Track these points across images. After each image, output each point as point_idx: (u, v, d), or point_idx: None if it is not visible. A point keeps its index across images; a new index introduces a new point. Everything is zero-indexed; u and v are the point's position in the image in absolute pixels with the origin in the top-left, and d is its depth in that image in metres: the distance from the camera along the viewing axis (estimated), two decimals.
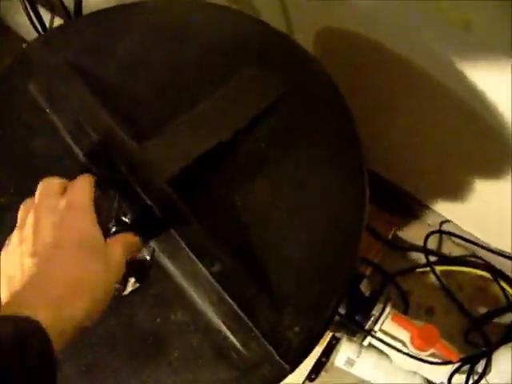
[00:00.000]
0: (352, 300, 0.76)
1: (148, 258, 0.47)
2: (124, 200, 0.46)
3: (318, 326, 0.47)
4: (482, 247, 0.99)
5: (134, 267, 0.47)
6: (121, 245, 0.39)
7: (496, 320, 0.98)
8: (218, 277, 0.46)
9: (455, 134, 0.79)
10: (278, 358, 0.44)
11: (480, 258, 1.01)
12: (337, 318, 0.75)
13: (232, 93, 0.54)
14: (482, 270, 1.00)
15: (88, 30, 0.60)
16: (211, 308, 0.46)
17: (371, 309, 0.77)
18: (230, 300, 0.45)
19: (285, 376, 0.45)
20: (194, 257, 0.46)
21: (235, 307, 0.45)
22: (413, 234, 1.05)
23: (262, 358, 0.45)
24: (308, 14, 0.77)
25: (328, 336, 0.85)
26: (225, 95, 0.54)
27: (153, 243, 0.47)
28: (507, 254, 0.96)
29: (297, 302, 0.47)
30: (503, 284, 0.99)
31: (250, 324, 0.45)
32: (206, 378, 0.45)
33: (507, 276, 0.99)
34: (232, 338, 0.45)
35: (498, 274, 0.99)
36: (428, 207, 1.03)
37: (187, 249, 0.46)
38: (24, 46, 0.60)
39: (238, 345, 0.45)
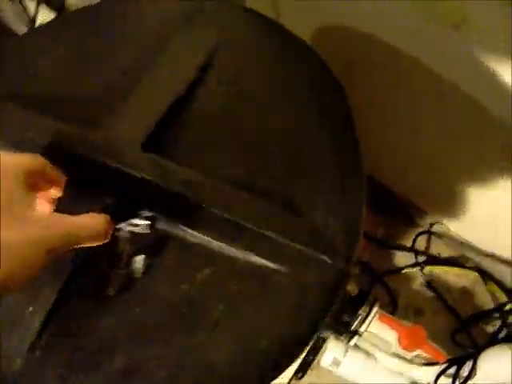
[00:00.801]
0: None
1: (148, 231, 0.44)
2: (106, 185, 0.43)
3: (355, 219, 0.46)
4: (471, 249, 0.99)
5: (136, 245, 0.44)
6: (65, 225, 0.35)
7: (483, 322, 0.98)
8: (232, 211, 0.43)
9: (448, 136, 0.79)
10: (329, 261, 0.42)
11: (469, 259, 1.01)
12: None
13: (171, 53, 0.53)
14: (471, 271, 0.99)
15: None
16: (235, 246, 0.43)
17: (358, 308, 0.76)
18: (253, 227, 0.43)
19: (342, 278, 0.43)
20: (199, 204, 0.43)
21: (261, 230, 0.42)
22: (402, 233, 1.04)
23: (311, 269, 0.42)
24: (298, 11, 0.76)
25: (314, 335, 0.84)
26: (165, 57, 0.53)
27: (152, 213, 0.44)
28: (496, 256, 0.96)
29: (324, 202, 0.46)
30: (491, 286, 0.99)
31: (283, 240, 0.42)
32: (264, 315, 0.42)
33: (495, 278, 0.99)
34: (271, 264, 0.42)
35: (486, 275, 0.99)
36: (418, 208, 1.03)
37: (191, 199, 0.43)
38: None
39: (280, 268, 0.42)
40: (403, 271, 1.00)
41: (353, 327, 0.76)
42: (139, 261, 0.44)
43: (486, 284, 0.99)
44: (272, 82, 0.54)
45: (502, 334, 0.96)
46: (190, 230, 0.44)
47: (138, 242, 0.44)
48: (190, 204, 0.44)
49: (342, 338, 0.80)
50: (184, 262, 0.44)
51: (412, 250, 1.01)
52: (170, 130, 0.49)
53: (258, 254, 0.43)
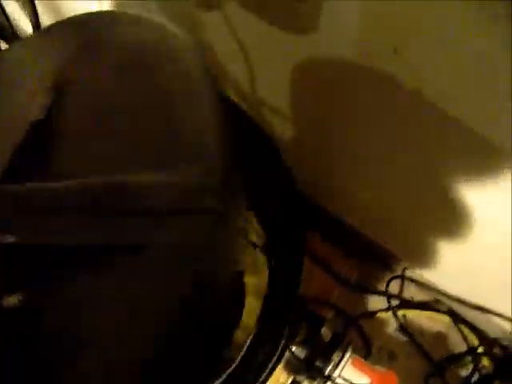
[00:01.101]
0: (312, 344, 0.76)
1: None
2: None
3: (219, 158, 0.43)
4: (444, 293, 1.02)
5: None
6: None
7: (456, 365, 0.99)
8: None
9: (421, 184, 0.81)
10: (205, 206, 0.39)
11: (442, 303, 1.03)
12: (297, 362, 0.75)
13: (23, 81, 0.48)
14: (444, 315, 1.01)
15: None
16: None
17: (331, 354, 0.78)
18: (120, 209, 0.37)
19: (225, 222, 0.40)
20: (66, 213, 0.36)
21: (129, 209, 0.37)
22: (376, 278, 1.07)
23: (189, 226, 0.38)
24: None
25: (289, 380, 0.85)
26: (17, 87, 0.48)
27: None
28: (468, 302, 0.98)
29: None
30: (464, 329, 1.01)
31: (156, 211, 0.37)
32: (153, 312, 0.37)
33: (468, 322, 1.01)
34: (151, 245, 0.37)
35: (459, 319, 1.01)
36: (392, 253, 1.05)
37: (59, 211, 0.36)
38: None
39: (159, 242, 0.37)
40: (377, 315, 1.02)
41: (326, 372, 0.77)
42: (12, 300, 0.37)
43: (458, 327, 1.01)
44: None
45: (474, 378, 0.97)
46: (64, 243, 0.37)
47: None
48: (60, 219, 0.36)
49: (316, 382, 0.81)
50: (62, 288, 0.37)
51: (385, 294, 1.03)
52: (36, 154, 0.42)
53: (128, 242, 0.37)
